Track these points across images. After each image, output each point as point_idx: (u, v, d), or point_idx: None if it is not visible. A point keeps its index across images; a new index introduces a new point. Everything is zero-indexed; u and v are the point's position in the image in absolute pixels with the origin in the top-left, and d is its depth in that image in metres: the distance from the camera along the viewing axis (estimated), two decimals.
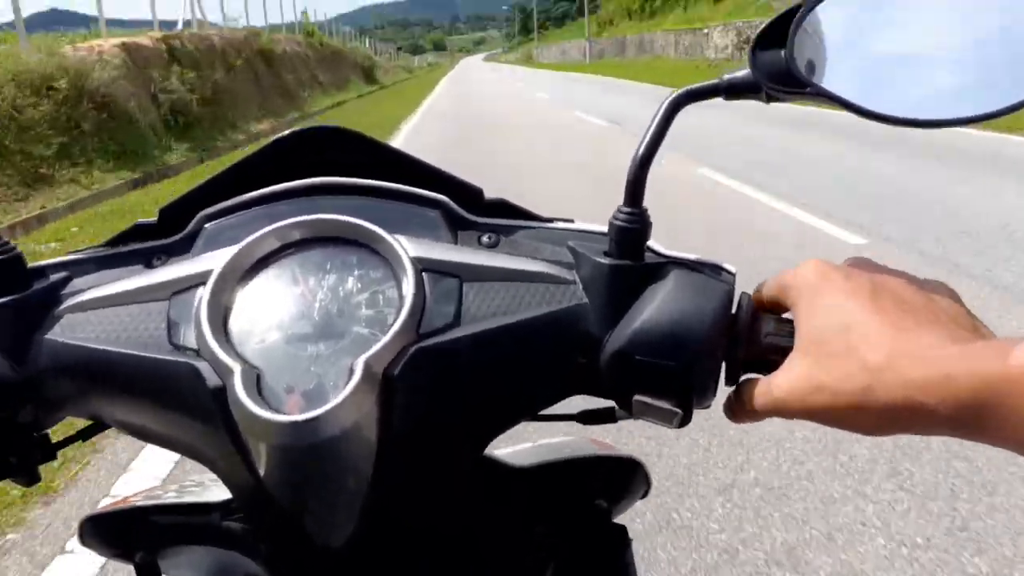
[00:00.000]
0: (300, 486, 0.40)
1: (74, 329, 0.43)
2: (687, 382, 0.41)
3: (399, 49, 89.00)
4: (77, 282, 0.46)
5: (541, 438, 0.67)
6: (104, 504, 0.62)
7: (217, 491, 0.57)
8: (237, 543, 0.54)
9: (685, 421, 0.41)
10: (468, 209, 0.48)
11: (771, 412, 0.40)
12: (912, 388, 0.33)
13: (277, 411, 0.37)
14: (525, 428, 0.79)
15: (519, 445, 0.65)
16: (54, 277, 0.46)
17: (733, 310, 0.42)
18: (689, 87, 0.42)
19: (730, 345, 0.41)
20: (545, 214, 0.50)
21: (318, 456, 0.38)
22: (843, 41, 0.40)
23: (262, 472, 0.40)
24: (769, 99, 0.41)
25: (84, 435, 0.53)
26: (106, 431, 0.52)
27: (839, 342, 0.36)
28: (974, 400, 0.31)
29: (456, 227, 0.47)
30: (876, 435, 0.36)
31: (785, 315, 0.42)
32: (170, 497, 0.61)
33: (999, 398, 0.30)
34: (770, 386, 0.39)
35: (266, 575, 0.52)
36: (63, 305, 0.44)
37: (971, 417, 0.31)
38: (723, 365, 0.42)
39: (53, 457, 0.48)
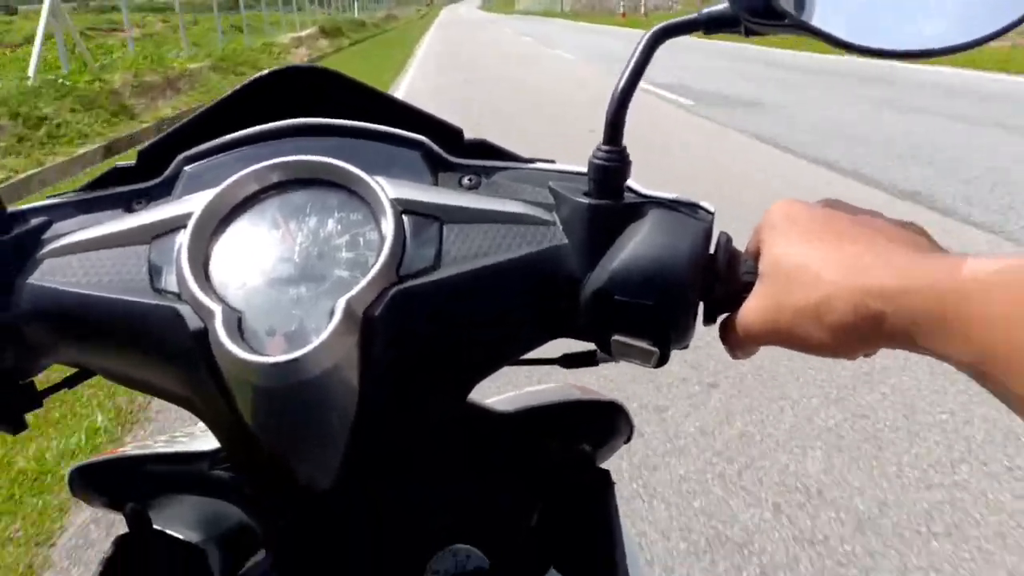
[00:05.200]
0: (283, 428, 0.41)
1: (55, 273, 0.43)
2: (664, 321, 0.41)
3: None
4: (58, 226, 0.46)
5: (527, 387, 0.67)
6: (94, 456, 0.62)
7: (206, 441, 0.57)
8: (225, 491, 0.55)
9: (663, 361, 0.42)
10: (449, 150, 0.47)
11: (746, 342, 0.40)
12: (869, 296, 0.33)
13: (259, 353, 0.37)
14: (512, 378, 0.79)
15: (505, 394, 0.65)
16: (34, 221, 0.45)
17: (712, 249, 0.42)
18: (667, 22, 0.41)
19: (707, 284, 0.41)
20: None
21: (300, 397, 0.38)
22: None
23: (246, 415, 0.40)
24: (747, 32, 0.40)
25: (70, 383, 0.53)
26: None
27: (798, 268, 0.36)
28: (927, 312, 0.31)
29: (437, 168, 0.47)
30: (841, 355, 0.36)
31: None
32: (160, 447, 0.62)
33: (951, 310, 0.30)
34: (740, 318, 0.40)
35: (252, 521, 0.52)
36: (44, 249, 0.44)
37: (925, 328, 0.31)
38: (701, 304, 0.42)
39: (39, 404, 0.48)
